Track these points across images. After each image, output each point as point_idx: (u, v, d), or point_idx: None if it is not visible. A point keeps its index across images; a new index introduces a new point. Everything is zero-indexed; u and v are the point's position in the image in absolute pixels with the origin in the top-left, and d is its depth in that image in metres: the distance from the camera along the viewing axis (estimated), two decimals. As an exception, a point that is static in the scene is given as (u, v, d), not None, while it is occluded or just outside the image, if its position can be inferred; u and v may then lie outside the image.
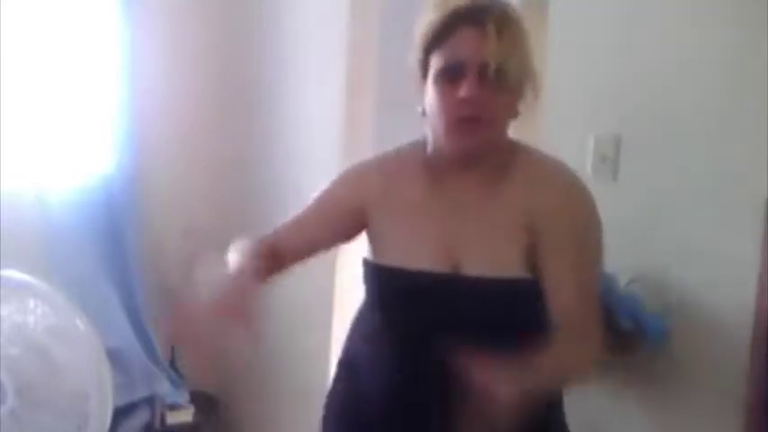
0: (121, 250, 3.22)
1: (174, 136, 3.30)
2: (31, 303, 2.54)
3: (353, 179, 1.73)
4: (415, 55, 1.57)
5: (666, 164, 2.09)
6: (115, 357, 2.81)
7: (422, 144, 1.65)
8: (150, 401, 3.10)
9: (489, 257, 1.56)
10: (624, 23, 2.16)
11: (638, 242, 2.11)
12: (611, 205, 2.15)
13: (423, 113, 1.59)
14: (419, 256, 1.59)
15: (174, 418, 3.13)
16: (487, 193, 1.59)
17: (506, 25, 1.49)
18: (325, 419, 1.82)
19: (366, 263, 1.68)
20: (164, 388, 3.14)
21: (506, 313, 1.55)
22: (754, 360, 1.92)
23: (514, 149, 1.63)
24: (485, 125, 1.53)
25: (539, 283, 1.55)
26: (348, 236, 1.74)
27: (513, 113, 1.58)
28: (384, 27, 2.89)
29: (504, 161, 1.60)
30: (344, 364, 1.79)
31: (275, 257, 1.65)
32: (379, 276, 1.66)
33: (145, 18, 3.20)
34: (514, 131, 1.66)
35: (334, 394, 1.81)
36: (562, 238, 1.55)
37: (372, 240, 1.69)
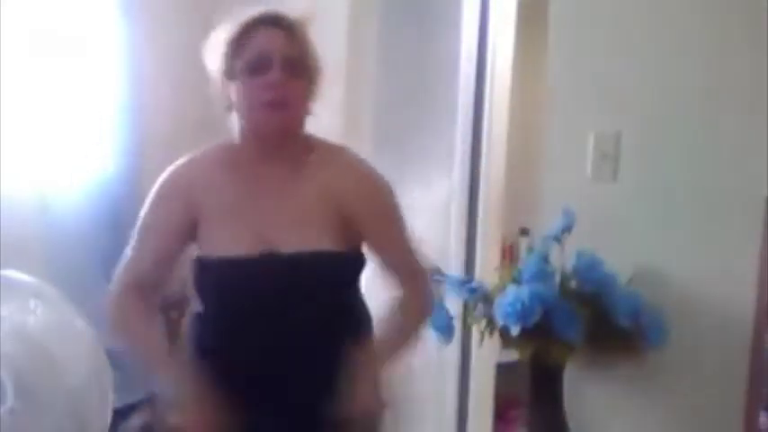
0: (122, 251, 3.21)
1: (175, 136, 3.30)
2: (31, 303, 2.54)
3: (168, 195, 1.84)
4: (217, 62, 1.74)
5: (666, 164, 2.09)
6: (115, 357, 2.81)
7: (225, 144, 1.82)
8: (150, 401, 3.09)
9: (301, 234, 1.71)
10: (624, 23, 2.16)
11: (638, 242, 2.11)
12: (611, 205, 2.16)
13: (228, 109, 1.76)
14: (234, 244, 1.71)
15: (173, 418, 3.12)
16: (292, 177, 1.75)
17: (299, 25, 1.75)
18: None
19: (192, 262, 1.78)
20: (164, 388, 3.14)
21: (325, 289, 1.71)
22: (754, 360, 1.92)
23: (309, 139, 1.82)
24: (290, 108, 1.72)
25: (351, 257, 1.76)
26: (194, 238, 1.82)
27: (310, 105, 1.78)
28: (384, 27, 2.89)
29: (302, 149, 1.78)
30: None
31: (152, 297, 1.86)
32: (200, 270, 1.75)
33: (145, 18, 3.20)
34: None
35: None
36: (375, 209, 1.80)
37: (198, 240, 1.79)
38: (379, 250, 1.81)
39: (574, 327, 1.94)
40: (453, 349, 2.59)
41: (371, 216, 1.78)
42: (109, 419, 2.59)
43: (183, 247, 1.82)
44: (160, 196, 1.83)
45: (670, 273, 2.06)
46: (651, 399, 2.10)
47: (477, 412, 2.72)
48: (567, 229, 2.05)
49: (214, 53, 1.75)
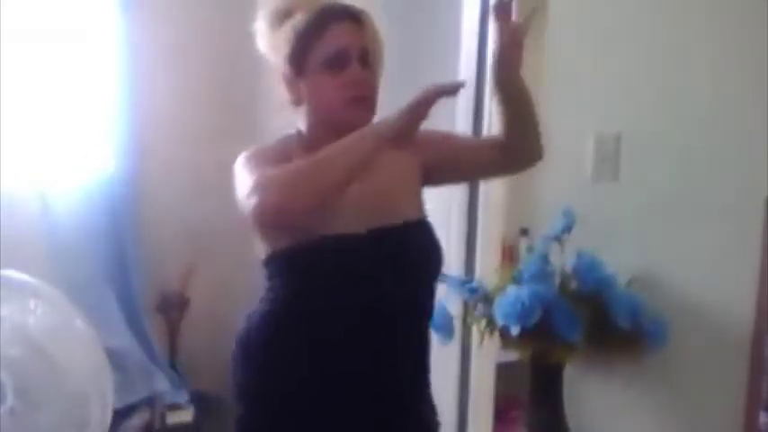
0: (121, 251, 3.22)
1: (175, 137, 3.30)
2: (31, 303, 2.54)
3: (265, 161, 1.74)
4: (285, 54, 1.70)
5: (666, 164, 2.09)
6: (115, 357, 2.81)
7: (292, 135, 1.77)
8: (150, 401, 3.10)
9: (400, 205, 1.73)
10: (624, 23, 2.16)
11: (639, 242, 2.11)
12: (611, 205, 2.16)
13: (296, 103, 1.73)
14: (338, 222, 1.64)
15: (173, 418, 3.13)
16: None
17: (366, 17, 1.74)
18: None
19: (284, 250, 1.68)
20: (163, 388, 3.14)
21: (430, 255, 1.74)
22: (754, 360, 1.92)
23: None
24: (372, 103, 1.72)
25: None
26: None
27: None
28: (383, 27, 2.88)
29: None
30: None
31: None
32: (301, 254, 1.66)
33: (145, 19, 3.20)
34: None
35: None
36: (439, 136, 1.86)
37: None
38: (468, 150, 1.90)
39: (574, 327, 1.94)
40: (453, 349, 2.59)
41: (441, 145, 1.84)
42: (109, 420, 2.59)
43: None
44: (258, 160, 1.71)
45: (670, 273, 2.05)
46: (651, 399, 2.10)
47: (477, 412, 2.71)
48: (567, 229, 2.05)
49: (277, 47, 1.72)
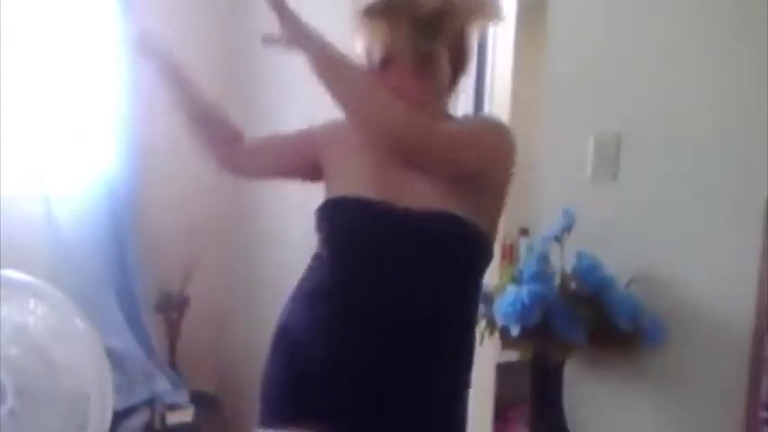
0: (122, 251, 3.22)
1: (175, 137, 3.30)
2: (31, 303, 2.54)
3: (308, 131, 1.85)
4: (410, 33, 1.64)
5: (666, 164, 2.09)
6: (115, 357, 2.81)
7: None
8: (150, 401, 3.10)
9: (424, 193, 1.66)
10: (624, 23, 2.16)
11: (638, 242, 2.11)
12: (611, 205, 2.16)
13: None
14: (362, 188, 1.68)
15: (173, 418, 3.13)
16: None
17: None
18: (267, 395, 1.81)
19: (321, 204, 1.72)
20: (163, 388, 3.14)
21: (437, 250, 1.65)
22: (754, 360, 1.92)
23: None
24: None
25: (474, 228, 1.66)
26: (302, 171, 1.85)
27: None
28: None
29: None
30: (282, 328, 1.74)
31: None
32: (327, 210, 1.71)
33: (144, 19, 3.20)
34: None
35: (272, 369, 1.77)
36: None
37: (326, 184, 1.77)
38: None
39: (574, 327, 1.94)
40: (453, 349, 2.59)
41: None
42: (109, 420, 2.59)
43: (287, 169, 1.89)
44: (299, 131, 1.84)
45: (670, 273, 2.05)
46: (651, 399, 2.10)
47: (477, 412, 2.71)
48: (567, 229, 2.05)
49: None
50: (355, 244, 1.67)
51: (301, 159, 1.84)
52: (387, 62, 1.66)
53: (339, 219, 1.70)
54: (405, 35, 1.64)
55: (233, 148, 1.92)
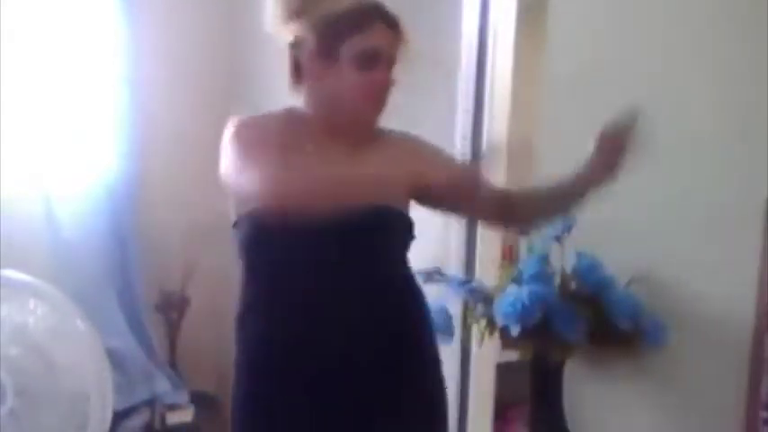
0: (122, 251, 3.22)
1: (175, 138, 3.30)
2: (31, 303, 2.54)
3: (248, 137, 1.83)
4: (320, 32, 1.71)
5: (666, 164, 2.08)
6: (115, 357, 2.81)
7: (292, 110, 1.82)
8: (150, 402, 3.10)
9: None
10: (624, 23, 2.16)
11: (638, 242, 2.11)
12: (611, 205, 2.16)
13: (305, 82, 1.77)
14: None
15: (173, 418, 3.13)
16: (356, 152, 1.75)
17: (402, 26, 1.76)
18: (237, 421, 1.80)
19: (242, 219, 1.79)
20: (163, 388, 3.14)
21: (370, 240, 1.72)
22: (754, 360, 1.92)
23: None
24: (383, 109, 1.77)
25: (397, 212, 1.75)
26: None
27: None
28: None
29: (368, 136, 1.81)
30: (242, 364, 1.79)
31: None
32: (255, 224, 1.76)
33: (146, 20, 3.20)
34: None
35: (238, 399, 1.79)
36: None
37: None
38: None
39: (574, 327, 1.94)
40: (453, 349, 2.59)
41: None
42: (109, 420, 2.59)
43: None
44: (240, 139, 1.83)
45: (670, 273, 2.05)
46: (651, 399, 2.10)
47: (477, 412, 2.71)
48: (567, 229, 2.05)
49: (309, 23, 1.72)
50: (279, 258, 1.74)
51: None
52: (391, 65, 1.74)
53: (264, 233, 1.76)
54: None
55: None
